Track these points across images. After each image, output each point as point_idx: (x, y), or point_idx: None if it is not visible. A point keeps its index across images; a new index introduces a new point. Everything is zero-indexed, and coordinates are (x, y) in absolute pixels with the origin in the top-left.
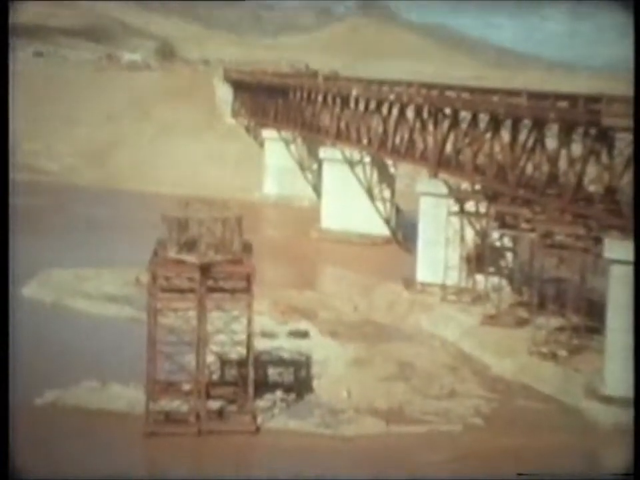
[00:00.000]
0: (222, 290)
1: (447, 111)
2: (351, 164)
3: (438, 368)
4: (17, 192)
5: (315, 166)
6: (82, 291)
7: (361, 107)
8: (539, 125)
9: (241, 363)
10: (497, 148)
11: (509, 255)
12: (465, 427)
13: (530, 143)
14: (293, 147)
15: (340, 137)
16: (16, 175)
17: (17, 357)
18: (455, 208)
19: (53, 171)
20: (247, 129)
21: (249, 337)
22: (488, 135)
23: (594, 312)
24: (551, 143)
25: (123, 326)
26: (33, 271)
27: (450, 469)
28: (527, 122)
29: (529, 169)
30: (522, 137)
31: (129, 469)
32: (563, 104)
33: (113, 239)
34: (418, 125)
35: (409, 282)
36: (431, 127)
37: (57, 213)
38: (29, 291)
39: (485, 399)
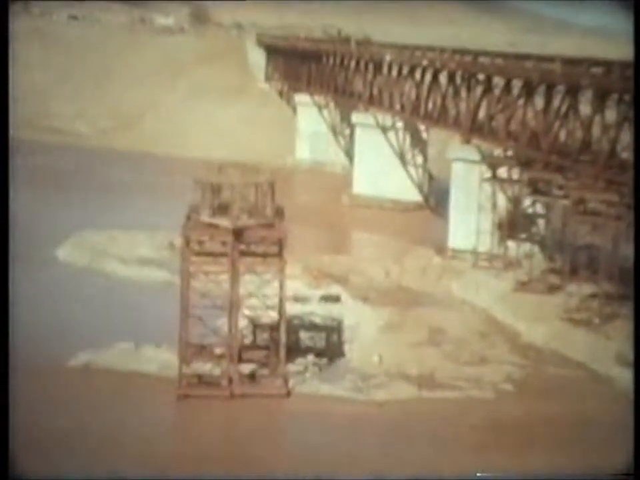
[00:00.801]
0: (254, 254)
1: (480, 76)
2: (384, 129)
3: (469, 334)
4: (51, 154)
5: (347, 131)
6: (115, 254)
7: (394, 72)
8: (572, 91)
9: (273, 327)
10: (530, 114)
11: (541, 222)
12: (496, 393)
13: (563, 109)
14: (325, 111)
15: (372, 102)
16: (50, 138)
17: (49, 319)
18: (488, 174)
19: (86, 133)
20: (280, 94)
21: (281, 301)
22: (521, 101)
23: (626, 279)
24: (585, 109)
25: (156, 289)
26: (67, 233)
27: (480, 435)
28: (560, 88)
29: (562, 135)
30: (555, 103)
31: (161, 431)
32: (598, 70)
33: (146, 202)
34: (451, 90)
35: (441, 248)
36: (463, 93)
37: (90, 176)
38: (62, 253)
39: (516, 365)
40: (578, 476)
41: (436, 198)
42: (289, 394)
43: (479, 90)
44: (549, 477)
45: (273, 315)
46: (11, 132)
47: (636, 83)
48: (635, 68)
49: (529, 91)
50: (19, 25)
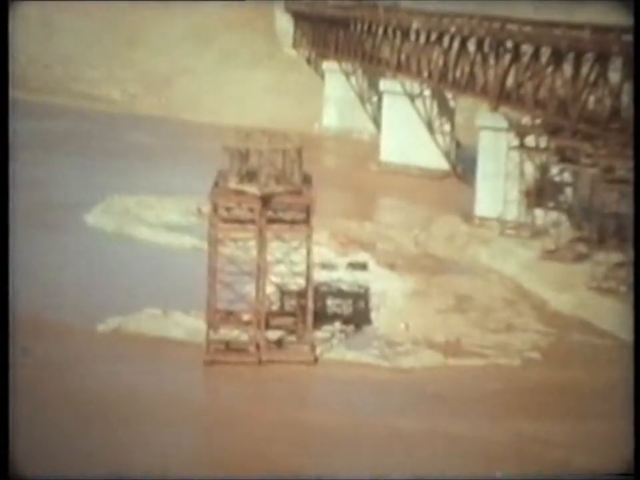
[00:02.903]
0: (282, 221)
1: (509, 44)
2: (411, 97)
3: (495, 302)
4: (81, 119)
5: (374, 98)
6: (143, 219)
7: (422, 39)
8: (602, 59)
9: (300, 294)
10: (558, 82)
11: (569, 190)
12: (522, 361)
13: (592, 76)
14: (353, 78)
15: (400, 69)
16: (81, 103)
17: (78, 284)
18: (515, 142)
19: (114, 98)
20: (308, 60)
21: (308, 267)
22: (550, 69)
23: None
24: (614, 76)
25: (183, 255)
26: (96, 199)
27: (506, 402)
28: (589, 55)
29: (591, 103)
30: (584, 70)
31: (191, 394)
32: (627, 37)
33: (174, 168)
34: (479, 58)
35: (468, 216)
36: (492, 61)
37: (118, 142)
38: (91, 218)
39: (542, 333)
40: (578, 476)
41: (463, 166)
42: (316, 360)
43: (507, 57)
44: (549, 477)
45: (300, 282)
46: (42, 97)
47: (636, 87)
48: (635, 72)
49: (557, 58)
50: None
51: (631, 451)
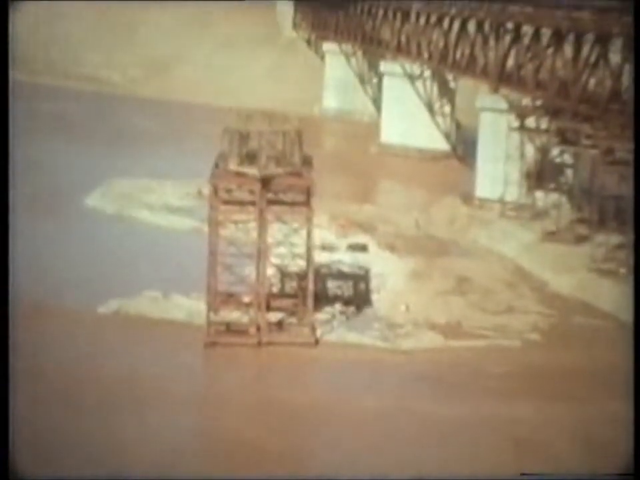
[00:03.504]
0: (282, 203)
1: (509, 25)
2: (411, 78)
3: (496, 283)
4: (81, 102)
5: (375, 80)
6: (144, 202)
7: (422, 20)
8: (602, 40)
9: (301, 276)
10: (559, 63)
11: (569, 172)
12: (522, 342)
13: (593, 58)
14: (353, 60)
15: (400, 50)
16: (81, 86)
17: (78, 266)
18: (516, 123)
19: (115, 81)
20: (308, 42)
21: (309, 249)
22: (550, 50)
23: None
24: (615, 58)
25: (184, 237)
26: (96, 181)
27: (506, 384)
28: (590, 36)
29: (592, 84)
30: (585, 51)
31: (191, 375)
32: (628, 18)
33: (174, 150)
34: (479, 39)
35: (468, 197)
36: (492, 42)
37: (119, 124)
38: (91, 201)
39: (542, 315)
40: (578, 476)
41: (463, 147)
42: (316, 342)
43: (507, 39)
44: (549, 477)
45: (301, 264)
46: (42, 79)
47: (636, 88)
48: (635, 72)
49: (558, 39)
50: None
51: (631, 449)
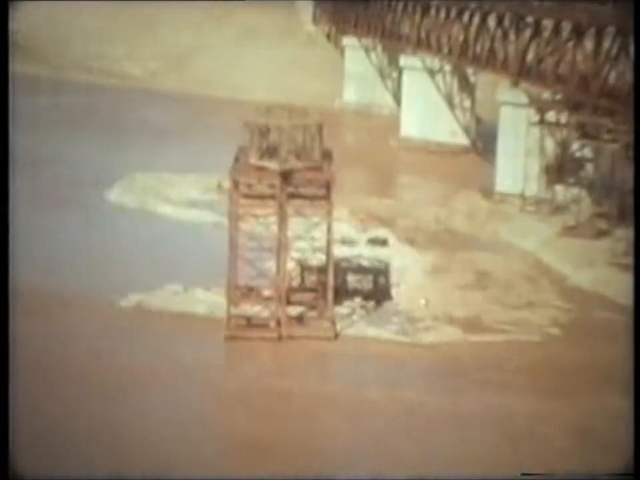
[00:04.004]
0: (302, 197)
1: (529, 19)
2: (431, 72)
3: (516, 278)
4: (102, 96)
5: (395, 74)
6: (165, 196)
7: (442, 15)
8: (623, 33)
9: (321, 270)
10: (579, 57)
11: (590, 166)
12: (542, 337)
13: (614, 51)
14: (373, 54)
15: (420, 45)
16: (101, 80)
17: (100, 261)
18: (536, 118)
19: (135, 75)
20: (328, 36)
21: (329, 243)
22: (570, 44)
23: None
24: None
25: (204, 231)
26: (117, 175)
27: (526, 378)
28: (611, 30)
29: (612, 78)
30: (606, 45)
31: (211, 369)
32: None
33: (195, 144)
34: (499, 33)
35: (488, 192)
36: (512, 36)
37: (140, 118)
38: (112, 195)
39: (562, 309)
40: (578, 476)
41: (483, 142)
42: (336, 336)
43: (527, 33)
44: (549, 477)
45: (321, 258)
46: (64, 74)
47: (636, 88)
48: (635, 72)
49: (578, 33)
50: None
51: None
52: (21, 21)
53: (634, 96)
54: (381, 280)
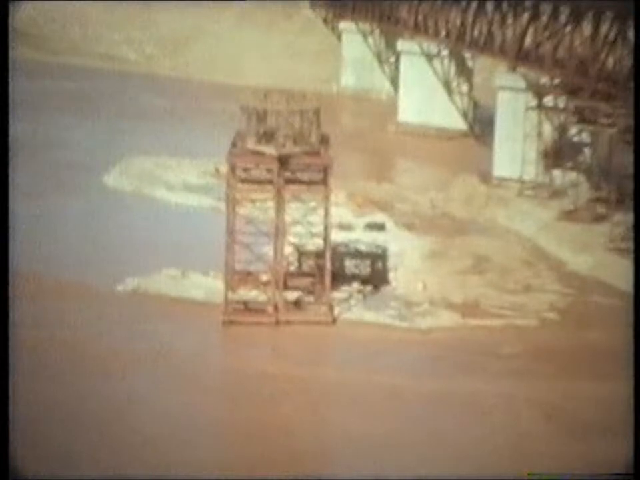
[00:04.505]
0: (299, 181)
1: (527, 3)
2: (429, 57)
3: (513, 262)
4: (99, 80)
5: (392, 59)
6: (162, 180)
7: None
8: (621, 18)
9: (318, 254)
10: (577, 41)
11: (588, 150)
12: (540, 321)
13: (612, 36)
14: (370, 39)
15: (418, 29)
16: (98, 64)
17: (98, 245)
18: (534, 102)
19: (132, 59)
20: (325, 21)
21: (326, 228)
22: (569, 28)
23: None
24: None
25: (202, 216)
26: (114, 159)
27: (524, 363)
28: (609, 14)
29: (610, 62)
30: (604, 29)
31: (208, 353)
32: None
33: (192, 129)
34: (497, 17)
35: (486, 176)
36: (510, 20)
37: (137, 102)
38: (110, 179)
39: (560, 294)
40: (578, 476)
41: (481, 126)
42: (334, 321)
43: (525, 16)
44: (549, 477)
45: (318, 242)
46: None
47: (636, 88)
48: (635, 72)
49: (576, 17)
50: None
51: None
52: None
53: (634, 80)
54: (379, 265)
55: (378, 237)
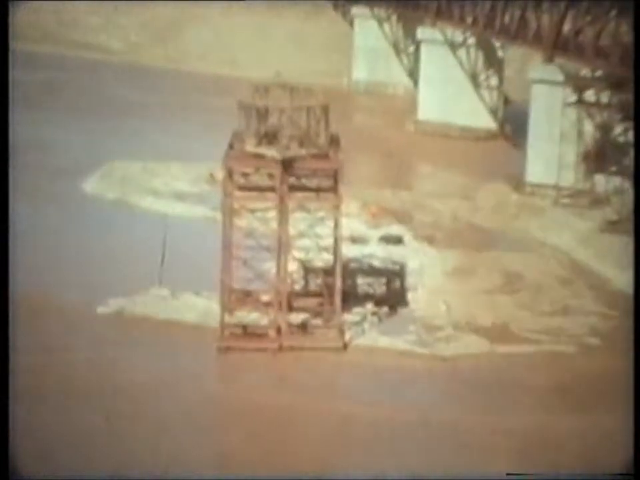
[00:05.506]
0: (306, 188)
1: None
2: (453, 46)
3: (549, 280)
4: (77, 72)
5: (411, 48)
6: (149, 187)
7: None
8: None
9: (327, 272)
10: (622, 27)
11: (634, 152)
12: (578, 348)
13: None
14: (386, 26)
15: (441, 15)
16: (76, 53)
17: (76, 261)
18: (572, 97)
19: (116, 48)
20: (335, 5)
21: (336, 241)
22: (613, 13)
23: None
24: None
25: (194, 228)
26: (94, 163)
27: (561, 395)
28: None
29: None
30: None
31: (202, 385)
32: None
33: (183, 128)
34: (531, 1)
35: (518, 182)
36: (546, 4)
37: (120, 97)
38: (89, 186)
39: (602, 315)
40: (578, 476)
41: (512, 125)
42: (345, 347)
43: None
44: (548, 477)
45: (327, 258)
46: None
47: (636, 88)
48: (635, 72)
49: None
50: None
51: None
52: None
53: (634, 80)
54: (396, 283)
55: (395, 252)
